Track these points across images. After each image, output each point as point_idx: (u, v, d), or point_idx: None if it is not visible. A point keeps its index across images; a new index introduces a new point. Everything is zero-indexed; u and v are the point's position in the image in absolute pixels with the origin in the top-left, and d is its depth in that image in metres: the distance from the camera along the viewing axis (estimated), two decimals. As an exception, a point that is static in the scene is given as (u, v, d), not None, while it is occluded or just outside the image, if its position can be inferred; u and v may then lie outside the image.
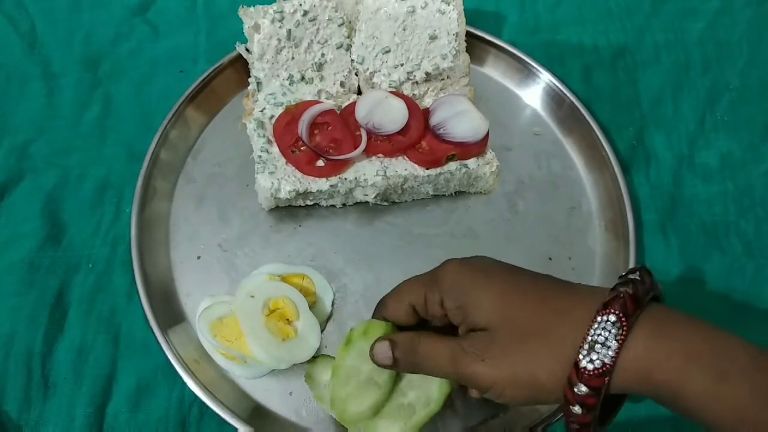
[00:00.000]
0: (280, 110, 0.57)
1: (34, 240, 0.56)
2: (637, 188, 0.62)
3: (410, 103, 0.57)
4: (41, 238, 0.56)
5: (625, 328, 0.31)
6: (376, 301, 0.54)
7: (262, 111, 0.57)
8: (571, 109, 0.64)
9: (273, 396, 0.51)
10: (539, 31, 0.72)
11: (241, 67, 0.63)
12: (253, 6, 0.56)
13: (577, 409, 0.33)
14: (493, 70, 0.68)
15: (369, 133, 0.56)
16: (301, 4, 0.56)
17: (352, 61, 0.59)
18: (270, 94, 0.58)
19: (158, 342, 0.51)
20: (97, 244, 0.57)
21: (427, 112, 0.57)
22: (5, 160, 0.60)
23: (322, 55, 0.58)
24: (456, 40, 0.58)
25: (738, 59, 0.70)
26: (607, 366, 0.31)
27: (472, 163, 0.57)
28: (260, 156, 0.55)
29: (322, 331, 0.53)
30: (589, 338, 0.32)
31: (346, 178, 0.55)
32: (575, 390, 0.32)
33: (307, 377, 0.50)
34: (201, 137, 0.62)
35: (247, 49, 0.58)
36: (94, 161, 0.61)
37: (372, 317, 0.44)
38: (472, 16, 0.60)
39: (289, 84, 0.58)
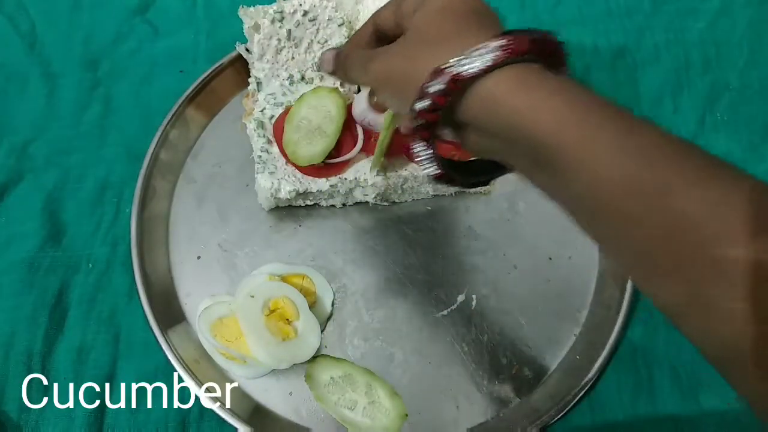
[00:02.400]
0: (280, 110, 0.57)
1: (34, 240, 0.56)
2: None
3: (410, 103, 0.57)
4: (41, 238, 0.56)
5: (506, 54, 0.30)
6: (376, 301, 0.55)
7: (262, 111, 0.57)
8: (571, 109, 0.64)
9: (273, 396, 0.51)
10: (539, 31, 0.71)
11: (241, 67, 0.63)
12: (253, 6, 0.56)
13: (424, 104, 0.32)
14: (493, 70, 0.68)
15: (367, 131, 0.56)
16: (301, 4, 0.56)
17: (352, 61, 0.59)
18: (270, 94, 0.58)
19: (158, 342, 0.51)
20: (97, 244, 0.57)
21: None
22: (5, 160, 0.60)
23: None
24: (456, 40, 0.58)
25: (738, 59, 0.70)
26: (467, 74, 0.31)
27: (472, 163, 0.57)
28: (260, 156, 0.55)
29: (322, 331, 0.53)
30: (467, 51, 0.31)
31: (346, 178, 0.55)
32: (429, 84, 0.32)
33: (307, 377, 0.50)
34: (201, 137, 0.62)
35: (247, 49, 0.58)
36: (94, 161, 0.61)
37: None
38: (472, 16, 0.60)
39: (289, 84, 0.58)
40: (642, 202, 0.27)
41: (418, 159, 0.36)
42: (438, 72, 0.31)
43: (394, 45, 0.37)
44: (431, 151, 0.35)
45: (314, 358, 0.51)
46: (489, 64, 0.31)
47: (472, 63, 0.31)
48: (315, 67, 0.58)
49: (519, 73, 0.31)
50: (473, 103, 0.32)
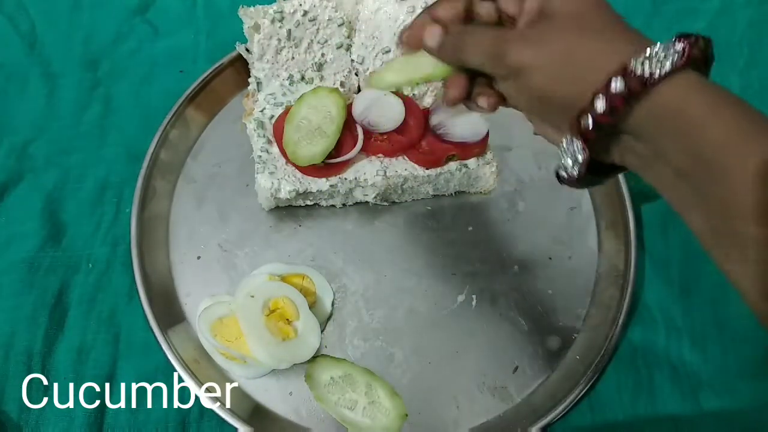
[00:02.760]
0: (280, 110, 0.57)
1: (34, 240, 0.56)
2: (637, 188, 0.62)
3: (410, 102, 0.57)
4: (41, 238, 0.56)
5: (686, 59, 0.29)
6: (376, 301, 0.55)
7: (262, 111, 0.57)
8: (571, 109, 0.64)
9: (273, 396, 0.51)
10: (539, 31, 0.71)
11: (241, 67, 0.63)
12: (253, 6, 0.56)
13: (600, 106, 0.30)
14: (493, 70, 0.67)
15: (367, 131, 0.56)
16: (301, 4, 0.56)
17: (352, 61, 0.59)
18: (270, 94, 0.58)
19: (158, 342, 0.51)
20: (97, 244, 0.57)
21: (427, 112, 0.57)
22: (5, 160, 0.60)
23: (322, 55, 0.58)
24: (456, 40, 0.58)
25: (738, 59, 0.70)
26: (655, 78, 0.29)
27: (472, 163, 0.57)
28: (260, 156, 0.55)
29: (322, 331, 0.53)
30: (653, 50, 0.29)
31: (346, 178, 0.55)
32: (611, 85, 0.30)
33: (307, 377, 0.50)
34: (201, 137, 0.62)
35: (247, 49, 0.58)
36: (94, 161, 0.61)
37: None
38: (472, 16, 0.60)
39: (289, 84, 0.58)
40: None
41: (565, 156, 0.33)
42: (623, 70, 0.29)
43: (543, 27, 0.33)
44: (585, 154, 0.32)
45: (314, 358, 0.51)
46: (674, 67, 0.29)
47: (662, 65, 0.29)
48: (315, 67, 0.58)
49: (695, 80, 0.29)
50: (645, 110, 0.30)
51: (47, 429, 0.49)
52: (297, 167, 0.55)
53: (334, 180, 0.55)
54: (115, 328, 0.53)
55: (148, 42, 0.68)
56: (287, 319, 0.51)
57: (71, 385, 0.51)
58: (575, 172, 0.33)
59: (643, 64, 0.29)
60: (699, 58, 0.30)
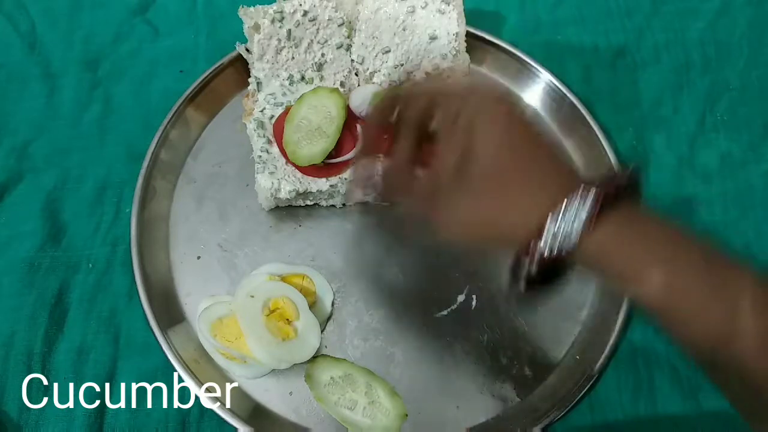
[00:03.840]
0: (280, 110, 0.57)
1: (34, 240, 0.56)
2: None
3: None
4: (41, 238, 0.56)
5: (598, 206, 0.32)
6: (376, 301, 0.55)
7: (262, 111, 0.57)
8: (571, 109, 0.64)
9: (273, 396, 0.51)
10: (539, 31, 0.71)
11: (241, 67, 0.63)
12: (253, 6, 0.56)
13: (532, 267, 0.33)
14: (493, 70, 0.68)
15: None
16: (301, 4, 0.56)
17: (352, 61, 0.59)
18: (270, 94, 0.58)
19: (158, 342, 0.51)
20: (97, 244, 0.57)
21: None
22: (5, 160, 0.60)
23: (322, 55, 0.58)
24: (456, 40, 0.58)
25: (738, 59, 0.70)
26: (570, 244, 0.32)
27: (472, 163, 0.57)
28: (260, 156, 0.55)
29: (322, 331, 0.53)
30: (562, 206, 0.32)
31: (346, 178, 0.55)
32: (533, 253, 0.33)
33: (307, 377, 0.50)
34: (201, 137, 0.62)
35: (247, 49, 0.58)
36: (94, 161, 0.61)
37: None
38: (472, 16, 0.60)
39: (289, 84, 0.58)
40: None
41: (515, 285, 0.36)
42: (540, 234, 0.32)
43: (464, 189, 0.36)
44: (534, 291, 0.35)
45: (314, 358, 0.51)
46: (588, 221, 0.32)
47: (575, 223, 0.32)
48: (315, 67, 0.58)
49: (618, 221, 0.32)
50: (576, 255, 0.33)
51: (47, 429, 0.49)
52: (297, 167, 0.55)
53: (334, 180, 0.55)
54: (115, 328, 0.53)
55: (148, 42, 0.68)
56: (287, 319, 0.51)
57: (71, 385, 0.51)
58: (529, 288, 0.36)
59: (560, 222, 0.32)
60: (620, 193, 0.33)
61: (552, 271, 0.33)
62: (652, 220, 0.33)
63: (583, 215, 0.32)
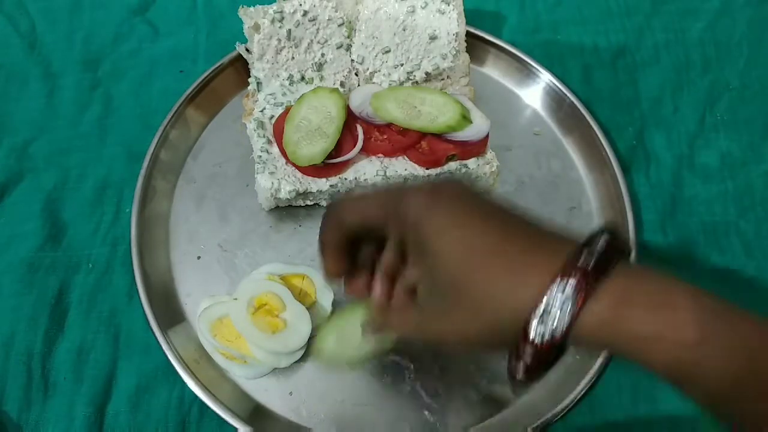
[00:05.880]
0: (280, 110, 0.57)
1: (34, 240, 0.56)
2: (637, 188, 0.62)
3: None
4: (41, 238, 0.56)
5: (583, 295, 0.29)
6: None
7: (262, 111, 0.57)
8: (571, 109, 0.64)
9: (273, 396, 0.51)
10: (539, 31, 0.72)
11: (241, 67, 0.63)
12: (253, 6, 0.56)
13: (523, 364, 0.31)
14: (493, 70, 0.68)
15: (367, 131, 0.56)
16: (301, 4, 0.56)
17: (352, 61, 0.59)
18: (270, 94, 0.58)
19: (158, 342, 0.51)
20: (97, 244, 0.57)
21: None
22: (5, 160, 0.60)
23: (322, 55, 0.58)
24: (456, 40, 0.58)
25: (738, 59, 0.70)
26: (556, 338, 0.29)
27: (472, 163, 0.57)
28: (260, 156, 0.55)
29: (322, 331, 0.53)
30: (542, 306, 0.29)
31: (346, 178, 0.55)
32: (523, 356, 0.31)
33: (316, 352, 0.49)
34: (201, 137, 0.62)
35: (247, 49, 0.58)
36: (94, 161, 0.61)
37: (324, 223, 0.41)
38: (472, 16, 0.60)
39: (289, 84, 0.58)
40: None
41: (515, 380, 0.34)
42: (526, 337, 0.30)
43: (439, 310, 0.34)
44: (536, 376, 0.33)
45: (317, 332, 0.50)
46: (575, 310, 0.29)
47: (560, 316, 0.29)
48: (315, 67, 0.59)
49: (612, 290, 0.29)
50: (572, 339, 0.30)
51: (47, 429, 0.49)
52: (297, 167, 0.55)
53: (334, 180, 0.55)
54: (115, 328, 0.53)
55: (148, 42, 0.68)
56: (276, 314, 0.51)
57: (71, 385, 0.51)
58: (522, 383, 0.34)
59: (544, 320, 0.29)
60: (608, 259, 0.30)
61: (549, 358, 0.31)
62: (649, 278, 0.31)
63: (568, 305, 0.29)
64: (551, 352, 0.30)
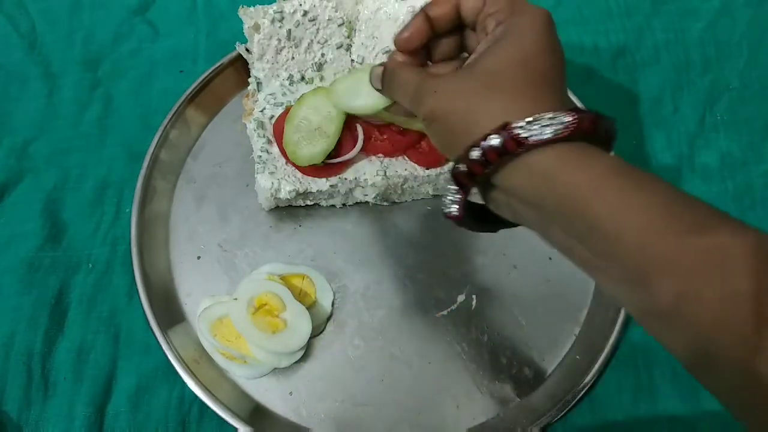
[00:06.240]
0: (280, 110, 0.57)
1: (34, 240, 0.56)
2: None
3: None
4: (41, 238, 0.56)
5: (570, 129, 0.31)
6: (376, 301, 0.55)
7: (262, 111, 0.57)
8: (571, 109, 0.64)
9: (273, 396, 0.51)
10: (539, 31, 0.71)
11: (241, 67, 0.63)
12: (253, 6, 0.56)
13: (475, 154, 0.32)
14: (493, 70, 0.67)
15: (367, 131, 0.56)
16: (301, 4, 0.56)
17: (352, 61, 0.59)
18: (270, 94, 0.58)
19: (158, 342, 0.51)
20: (97, 244, 0.57)
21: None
22: (5, 160, 0.60)
23: (322, 55, 0.58)
24: (456, 40, 0.58)
25: (738, 59, 0.70)
26: (532, 141, 0.31)
27: (472, 163, 0.57)
28: (260, 156, 0.55)
29: (322, 331, 0.53)
30: (536, 116, 0.31)
31: (346, 178, 0.55)
32: (488, 137, 0.32)
33: (329, 92, 0.53)
34: (201, 137, 0.62)
35: (247, 49, 0.58)
36: (94, 161, 0.61)
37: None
38: (472, 16, 0.60)
39: (289, 84, 0.58)
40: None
41: (444, 198, 0.36)
42: (503, 127, 0.31)
43: (457, 80, 0.36)
44: (460, 196, 0.35)
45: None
46: (556, 135, 0.30)
47: (542, 131, 0.30)
48: (315, 67, 0.58)
49: (577, 150, 0.31)
50: (522, 172, 0.32)
51: (47, 429, 0.49)
52: (297, 167, 0.55)
53: (334, 180, 0.55)
54: (115, 328, 0.53)
55: (148, 42, 0.68)
56: (276, 314, 0.51)
57: (71, 385, 0.51)
58: (452, 211, 0.36)
59: (523, 127, 0.31)
60: (592, 132, 0.31)
61: (485, 167, 0.32)
62: (622, 159, 0.31)
63: (548, 131, 0.30)
64: (511, 149, 0.31)
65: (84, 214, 0.58)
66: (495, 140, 0.31)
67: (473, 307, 0.55)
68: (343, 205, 0.59)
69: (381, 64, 0.43)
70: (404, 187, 0.57)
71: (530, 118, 0.31)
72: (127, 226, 0.56)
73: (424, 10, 0.40)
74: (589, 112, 0.31)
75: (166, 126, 0.60)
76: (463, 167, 0.33)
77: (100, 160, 0.61)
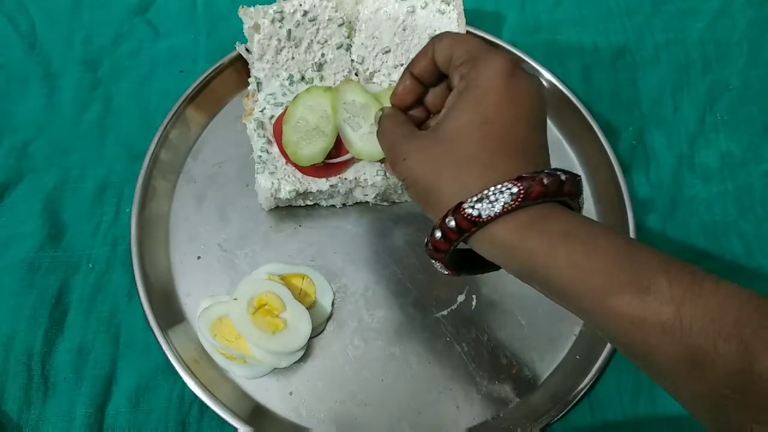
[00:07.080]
0: (280, 110, 0.57)
1: (34, 240, 0.56)
2: (637, 188, 0.63)
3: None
4: (41, 238, 0.56)
5: (518, 200, 0.32)
6: (376, 301, 0.55)
7: (262, 111, 0.57)
8: (571, 109, 0.64)
9: (273, 396, 0.51)
10: (539, 31, 0.71)
11: (241, 67, 0.63)
12: (253, 6, 0.56)
13: (438, 234, 0.35)
14: (493, 70, 0.67)
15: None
16: (301, 4, 0.56)
17: (352, 61, 0.59)
18: (270, 94, 0.58)
19: (158, 342, 0.51)
20: (97, 244, 0.57)
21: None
22: (5, 160, 0.60)
23: (322, 55, 0.58)
24: (456, 40, 0.58)
25: (738, 59, 0.70)
26: (482, 219, 0.33)
27: (472, 163, 0.57)
28: (260, 156, 0.55)
29: (322, 331, 0.53)
30: (484, 192, 0.33)
31: (346, 178, 0.55)
32: (446, 220, 0.34)
33: (334, 91, 0.54)
34: (201, 137, 0.62)
35: (247, 49, 0.58)
36: (94, 161, 0.61)
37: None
38: (472, 16, 0.60)
39: (289, 84, 0.58)
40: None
41: (433, 262, 0.39)
42: (456, 209, 0.34)
43: (423, 146, 0.37)
44: (441, 264, 0.38)
45: (347, 81, 0.54)
46: (506, 208, 0.32)
47: (492, 207, 0.33)
48: (315, 67, 0.58)
49: (534, 215, 0.33)
50: (486, 242, 0.35)
51: (47, 429, 0.49)
52: (297, 167, 0.55)
53: (334, 180, 0.55)
54: (115, 328, 0.53)
55: (148, 42, 0.68)
56: (276, 314, 0.51)
57: (71, 385, 0.51)
58: (444, 273, 0.39)
59: (473, 207, 0.33)
60: (544, 196, 0.33)
61: (461, 233, 0.34)
62: (577, 217, 0.34)
63: (498, 206, 0.32)
64: (466, 228, 0.34)
65: (84, 214, 0.58)
66: (451, 222, 0.34)
67: (473, 307, 0.55)
68: (343, 205, 0.59)
69: (381, 109, 0.44)
70: (404, 187, 0.57)
71: (477, 196, 0.33)
72: (127, 226, 0.56)
73: (408, 68, 0.42)
74: (539, 176, 0.33)
75: (166, 126, 0.60)
76: (438, 233, 0.35)
77: (100, 160, 0.61)
